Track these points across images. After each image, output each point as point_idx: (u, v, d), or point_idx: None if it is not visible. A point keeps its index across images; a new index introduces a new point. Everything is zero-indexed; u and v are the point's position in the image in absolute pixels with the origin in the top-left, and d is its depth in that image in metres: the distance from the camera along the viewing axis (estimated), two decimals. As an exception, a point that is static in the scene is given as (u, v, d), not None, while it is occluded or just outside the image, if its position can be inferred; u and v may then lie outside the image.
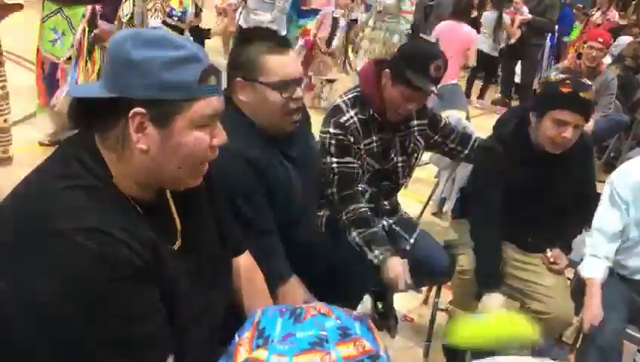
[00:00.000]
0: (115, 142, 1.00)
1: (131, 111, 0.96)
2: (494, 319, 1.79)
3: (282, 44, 1.59)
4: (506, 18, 6.69)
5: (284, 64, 1.57)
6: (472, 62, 5.29)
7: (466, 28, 5.07)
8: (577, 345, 2.33)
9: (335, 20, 5.90)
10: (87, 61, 3.54)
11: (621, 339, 2.14)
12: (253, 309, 0.86)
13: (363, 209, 2.12)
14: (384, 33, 5.65)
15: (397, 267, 2.06)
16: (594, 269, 2.17)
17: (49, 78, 3.72)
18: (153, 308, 0.99)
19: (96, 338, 0.92)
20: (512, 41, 6.74)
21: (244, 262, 1.42)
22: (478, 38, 6.37)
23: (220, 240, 1.24)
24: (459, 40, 4.91)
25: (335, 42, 5.89)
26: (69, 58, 3.57)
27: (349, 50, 6.34)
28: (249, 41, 1.60)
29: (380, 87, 2.10)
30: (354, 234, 2.09)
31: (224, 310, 1.22)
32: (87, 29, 3.51)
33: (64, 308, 0.90)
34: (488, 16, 6.82)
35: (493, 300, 2.07)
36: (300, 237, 1.77)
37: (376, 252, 2.07)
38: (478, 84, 7.41)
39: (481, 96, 7.36)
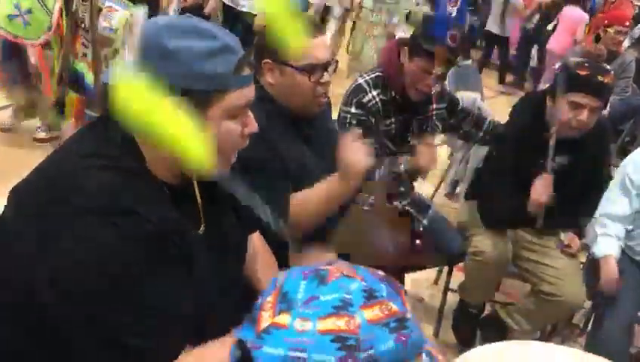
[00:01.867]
0: None
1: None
2: None
3: (312, 27, 1.58)
4: (518, 1, 6.67)
5: (313, 48, 1.56)
6: (579, 36, 5.93)
7: (578, 11, 6.32)
8: (588, 329, 2.34)
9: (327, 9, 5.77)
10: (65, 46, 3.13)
11: (633, 324, 2.15)
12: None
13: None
14: (384, 16, 5.32)
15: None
16: (607, 247, 2.18)
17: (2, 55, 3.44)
18: (179, 292, 1.00)
19: (121, 316, 0.93)
20: (529, 25, 6.70)
21: (256, 242, 1.43)
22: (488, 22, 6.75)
23: (239, 222, 1.25)
24: (571, 19, 6.16)
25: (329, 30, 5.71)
26: (48, 44, 3.17)
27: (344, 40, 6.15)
28: None
29: (401, 67, 2.09)
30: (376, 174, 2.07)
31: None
32: (64, 10, 3.08)
33: (91, 284, 0.91)
34: None
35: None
36: None
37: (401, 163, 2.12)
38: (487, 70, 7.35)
39: (502, 80, 7.28)
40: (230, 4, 5.10)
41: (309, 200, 1.57)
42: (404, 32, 4.85)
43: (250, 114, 1.07)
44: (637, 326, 2.24)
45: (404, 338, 0.69)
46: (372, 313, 0.69)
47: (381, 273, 0.78)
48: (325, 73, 1.60)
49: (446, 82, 2.20)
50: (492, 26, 6.95)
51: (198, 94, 0.97)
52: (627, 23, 4.27)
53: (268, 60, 1.58)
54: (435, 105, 2.24)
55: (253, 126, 1.08)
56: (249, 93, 1.04)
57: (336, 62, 1.65)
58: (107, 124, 1.02)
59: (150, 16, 1.27)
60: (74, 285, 0.91)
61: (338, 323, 0.68)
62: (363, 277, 0.74)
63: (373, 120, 2.09)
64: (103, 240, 0.91)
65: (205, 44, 0.97)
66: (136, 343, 0.94)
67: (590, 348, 2.12)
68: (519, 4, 6.70)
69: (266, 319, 0.71)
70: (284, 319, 0.70)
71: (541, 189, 2.07)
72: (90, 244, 0.91)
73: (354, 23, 5.85)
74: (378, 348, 0.68)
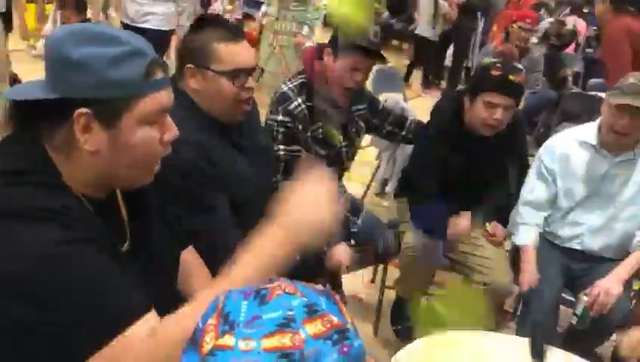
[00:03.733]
0: (63, 143, 0.96)
1: (75, 112, 0.93)
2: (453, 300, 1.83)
3: (235, 32, 1.58)
4: (444, 4, 6.81)
5: (236, 53, 1.56)
6: None
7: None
8: (518, 313, 2.45)
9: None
10: None
11: (557, 304, 2.27)
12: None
13: None
14: (290, 23, 5.01)
15: (341, 254, 2.10)
16: (526, 236, 2.28)
17: None
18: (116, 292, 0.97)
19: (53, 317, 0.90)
20: (448, 26, 6.84)
21: (190, 257, 1.39)
22: (419, 26, 6.88)
23: (167, 237, 1.22)
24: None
25: None
26: None
27: None
28: (201, 28, 1.58)
29: (323, 70, 2.11)
30: None
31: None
32: None
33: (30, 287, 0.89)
34: (424, 1, 6.92)
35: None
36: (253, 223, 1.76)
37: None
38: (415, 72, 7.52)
39: (427, 82, 7.38)
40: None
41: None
42: (312, 43, 4.65)
43: (169, 119, 1.03)
44: (562, 306, 2.36)
45: (346, 349, 0.70)
46: (315, 327, 0.70)
47: (319, 286, 0.79)
48: (249, 78, 1.60)
49: (367, 83, 2.23)
50: (423, 29, 7.03)
51: (110, 103, 0.94)
52: (528, 20, 4.50)
53: (190, 65, 1.56)
54: (357, 106, 2.28)
55: (172, 131, 1.04)
56: (164, 97, 1.00)
57: (261, 69, 1.65)
58: (19, 138, 0.98)
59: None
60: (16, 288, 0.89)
61: (283, 341, 0.68)
62: (303, 292, 0.74)
63: (300, 126, 2.10)
64: (32, 243, 0.89)
65: (112, 50, 0.94)
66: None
67: (520, 331, 2.22)
68: (446, 8, 6.84)
69: (209, 342, 0.71)
70: (228, 340, 0.69)
71: (458, 226, 2.19)
72: (19, 248, 0.89)
73: (260, 32, 5.59)
74: (323, 361, 0.69)
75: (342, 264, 2.11)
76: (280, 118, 2.09)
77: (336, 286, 2.62)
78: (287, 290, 0.74)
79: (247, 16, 6.34)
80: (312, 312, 0.71)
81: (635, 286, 2.17)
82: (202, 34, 1.56)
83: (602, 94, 2.26)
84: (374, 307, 2.65)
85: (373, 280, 2.96)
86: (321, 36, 5.13)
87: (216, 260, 1.45)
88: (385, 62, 2.27)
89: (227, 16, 5.60)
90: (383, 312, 2.63)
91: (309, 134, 2.14)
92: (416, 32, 7.24)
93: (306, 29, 4.98)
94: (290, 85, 2.15)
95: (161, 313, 1.02)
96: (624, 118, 2.07)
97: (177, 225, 1.31)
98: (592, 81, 6.47)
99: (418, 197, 2.30)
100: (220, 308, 0.74)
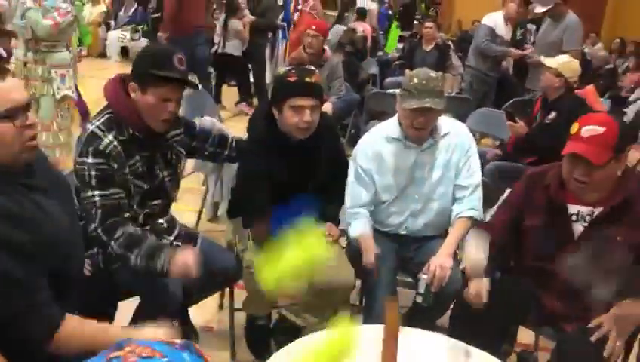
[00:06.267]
0: None
1: None
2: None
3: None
4: (237, 23, 6.99)
5: (6, 91, 1.42)
6: None
7: None
8: (363, 304, 2.58)
9: None
10: None
11: (395, 287, 2.44)
12: None
13: (131, 230, 2.01)
14: (41, 68, 4.06)
15: (186, 256, 1.98)
16: (360, 227, 2.41)
17: None
18: None
19: None
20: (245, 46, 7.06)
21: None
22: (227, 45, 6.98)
23: None
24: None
25: None
26: None
27: None
28: None
29: (132, 103, 2.02)
30: (132, 259, 1.97)
31: None
32: None
33: None
34: (219, 19, 7.10)
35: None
36: (72, 272, 1.63)
37: (161, 258, 1.97)
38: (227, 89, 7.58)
39: (241, 100, 7.45)
40: None
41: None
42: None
43: None
44: (400, 288, 2.53)
45: None
46: None
47: (178, 341, 0.74)
48: (29, 114, 1.47)
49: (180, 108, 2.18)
50: (230, 47, 7.14)
51: None
52: (314, 27, 4.76)
53: None
54: (172, 132, 2.21)
55: None
56: None
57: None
58: None
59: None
60: None
61: None
62: (162, 352, 0.69)
63: (115, 165, 1.98)
64: None
65: None
66: None
67: (367, 320, 2.34)
68: (238, 27, 7.01)
69: None
70: None
71: None
72: None
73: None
74: None
75: (189, 265, 1.97)
76: (90, 160, 1.94)
77: (185, 322, 2.53)
78: (143, 355, 0.68)
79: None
80: None
81: (460, 256, 2.41)
82: None
83: (397, 90, 2.49)
84: (228, 333, 2.60)
85: (221, 306, 2.91)
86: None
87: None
88: (196, 87, 2.23)
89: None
90: (238, 336, 2.59)
91: (127, 171, 2.03)
92: (221, 51, 7.29)
93: (55, 75, 4.06)
94: (97, 123, 2.00)
95: None
96: (418, 117, 2.30)
97: None
98: (388, 80, 7.11)
99: (251, 212, 2.31)
100: None
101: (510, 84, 6.31)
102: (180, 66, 1.99)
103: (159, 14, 8.38)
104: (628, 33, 10.30)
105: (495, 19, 5.77)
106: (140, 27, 10.81)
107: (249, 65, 7.39)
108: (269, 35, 7.64)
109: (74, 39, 4.63)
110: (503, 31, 5.78)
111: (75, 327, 1.49)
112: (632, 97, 7.07)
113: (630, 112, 6.12)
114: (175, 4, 5.67)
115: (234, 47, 7.08)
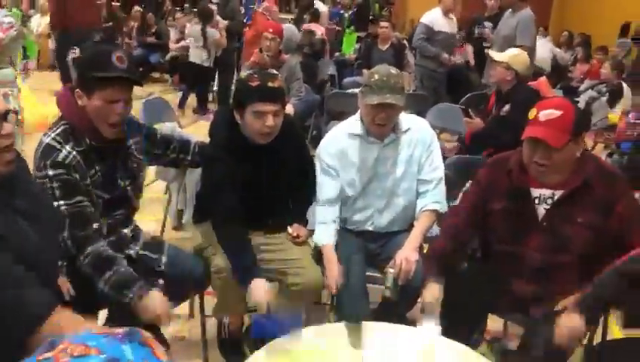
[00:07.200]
0: None
1: None
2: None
3: None
4: (214, 32, 7.01)
5: None
6: None
7: None
8: (334, 303, 2.58)
9: None
10: None
11: (365, 284, 2.45)
12: None
13: (102, 248, 1.97)
14: None
15: (156, 303, 1.94)
16: (325, 236, 2.42)
17: None
18: None
19: None
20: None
21: None
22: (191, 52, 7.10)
23: None
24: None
25: None
26: None
27: None
28: None
29: (84, 111, 1.96)
30: (100, 283, 1.92)
31: None
32: None
33: None
34: (195, 28, 7.11)
35: (258, 287, 2.15)
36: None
37: (131, 293, 1.91)
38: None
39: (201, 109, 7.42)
40: None
41: None
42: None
43: None
44: (369, 285, 2.55)
45: None
46: None
47: (120, 330, 0.69)
48: (5, 123, 1.43)
49: (138, 116, 2.13)
50: (194, 57, 7.17)
51: None
52: (271, 30, 4.77)
53: None
54: (131, 140, 2.16)
55: None
56: None
57: (16, 111, 1.50)
58: None
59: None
60: None
61: None
62: (99, 348, 0.65)
63: (77, 175, 1.94)
64: None
65: None
66: None
67: (339, 317, 2.35)
68: (215, 35, 7.02)
69: None
70: None
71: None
72: None
73: None
74: None
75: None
76: (51, 172, 1.89)
77: (155, 333, 2.49)
78: (75, 354, 0.64)
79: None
80: None
81: (425, 250, 2.45)
82: None
83: (356, 90, 2.50)
84: (199, 341, 2.57)
85: (191, 314, 2.87)
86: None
87: None
88: (140, 85, 2.13)
89: None
90: (210, 343, 2.57)
91: (88, 181, 1.98)
92: (190, 59, 7.31)
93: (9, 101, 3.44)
94: (53, 135, 1.95)
95: None
96: (380, 113, 2.32)
97: None
98: (346, 80, 7.15)
99: (222, 212, 2.29)
100: None
101: (464, 76, 6.44)
102: (119, 64, 1.92)
103: (109, 24, 8.27)
104: (574, 27, 10.66)
105: (432, 17, 5.89)
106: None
107: (215, 73, 7.40)
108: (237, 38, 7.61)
109: (18, 53, 4.49)
110: (444, 25, 5.87)
111: None
112: (582, 87, 7.31)
113: (581, 101, 6.31)
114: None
115: (198, 56, 7.10)
